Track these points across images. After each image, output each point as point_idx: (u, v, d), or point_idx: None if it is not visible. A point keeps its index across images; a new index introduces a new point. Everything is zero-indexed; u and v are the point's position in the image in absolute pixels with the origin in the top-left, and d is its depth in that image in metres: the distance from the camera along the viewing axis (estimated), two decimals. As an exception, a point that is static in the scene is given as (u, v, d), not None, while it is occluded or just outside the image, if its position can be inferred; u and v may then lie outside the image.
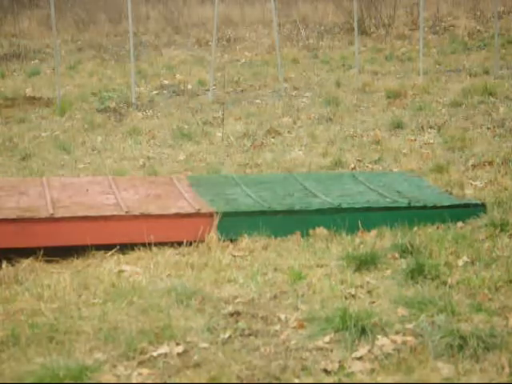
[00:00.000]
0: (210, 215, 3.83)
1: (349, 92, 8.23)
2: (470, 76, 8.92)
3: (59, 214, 3.76)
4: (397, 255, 3.53)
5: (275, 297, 3.13)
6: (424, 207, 4.01)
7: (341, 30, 13.57)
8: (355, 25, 9.73)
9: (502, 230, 3.78)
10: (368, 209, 3.98)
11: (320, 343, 2.68)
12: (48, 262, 3.58)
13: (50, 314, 2.96)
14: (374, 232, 3.86)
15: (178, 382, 2.47)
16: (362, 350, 2.61)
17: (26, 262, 3.52)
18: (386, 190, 4.31)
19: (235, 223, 3.83)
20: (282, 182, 4.55)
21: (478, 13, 13.71)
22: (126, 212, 3.81)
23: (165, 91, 8.85)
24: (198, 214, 3.84)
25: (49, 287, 3.24)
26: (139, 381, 2.47)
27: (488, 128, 6.16)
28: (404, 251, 3.54)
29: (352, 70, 9.81)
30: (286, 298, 3.11)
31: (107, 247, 3.69)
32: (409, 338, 2.67)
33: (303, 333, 2.78)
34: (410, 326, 2.77)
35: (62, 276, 3.38)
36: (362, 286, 3.20)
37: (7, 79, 10.01)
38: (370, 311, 2.83)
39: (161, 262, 3.53)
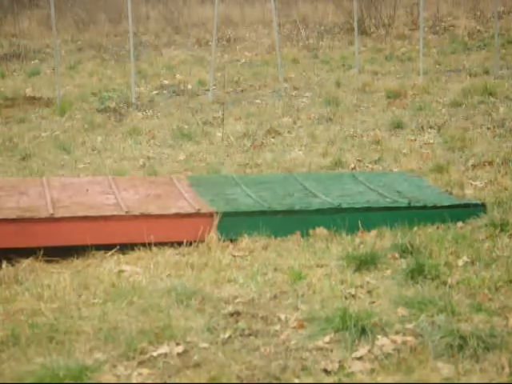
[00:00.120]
0: (210, 215, 3.83)
1: (349, 92, 8.23)
2: (470, 76, 8.92)
3: (59, 214, 3.76)
4: (397, 255, 3.53)
5: (275, 297, 3.13)
6: (424, 207, 4.01)
7: (341, 30, 13.57)
8: (355, 25, 9.73)
9: (502, 230, 3.78)
10: (368, 209, 3.98)
11: (320, 343, 2.68)
12: (48, 261, 3.57)
13: (50, 314, 2.96)
14: (374, 232, 3.86)
15: (177, 381, 2.47)
16: (362, 350, 2.60)
17: (25, 262, 3.52)
18: (386, 190, 4.31)
19: (235, 223, 3.83)
20: (282, 181, 4.55)
21: (478, 13, 13.71)
22: (126, 212, 3.81)
23: (165, 91, 8.85)
24: (197, 214, 3.84)
25: (49, 287, 3.24)
26: (139, 381, 2.47)
27: (488, 128, 6.16)
28: (404, 251, 3.54)
29: (352, 69, 9.82)
30: (285, 298, 3.11)
31: (107, 247, 3.69)
32: (409, 338, 2.67)
33: (303, 333, 2.78)
34: (409, 325, 2.77)
35: (61, 276, 3.38)
36: (362, 286, 3.20)
37: (7, 79, 10.01)
38: (370, 311, 2.83)
39: (161, 262, 3.53)
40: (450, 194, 4.41)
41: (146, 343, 2.68)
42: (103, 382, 2.46)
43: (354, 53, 9.83)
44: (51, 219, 3.71)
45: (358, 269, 3.38)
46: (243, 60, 11.23)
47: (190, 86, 9.02)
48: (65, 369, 2.47)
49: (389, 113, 7.00)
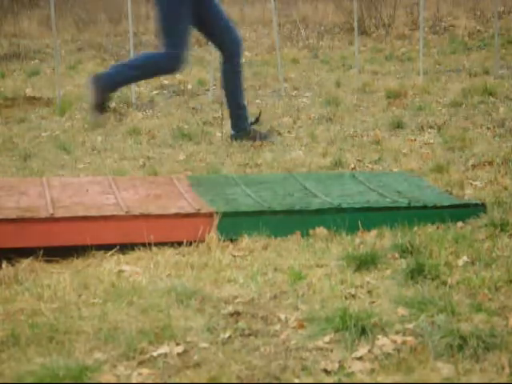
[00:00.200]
0: (210, 215, 3.83)
1: (349, 92, 8.23)
2: (470, 76, 8.92)
3: (59, 213, 3.76)
4: (397, 255, 3.53)
5: (275, 297, 3.13)
6: (424, 207, 4.01)
7: (341, 30, 13.57)
8: (355, 25, 9.73)
9: (502, 230, 3.78)
10: (368, 209, 3.98)
11: (320, 343, 2.68)
12: (48, 261, 3.57)
13: (50, 314, 2.96)
14: (374, 232, 3.86)
15: (178, 381, 2.47)
16: (362, 350, 2.60)
17: (25, 262, 3.52)
18: (386, 190, 4.31)
19: (235, 223, 3.83)
20: (282, 181, 4.55)
21: (478, 13, 13.71)
22: (126, 212, 3.81)
23: (165, 91, 8.85)
24: (197, 214, 3.84)
25: (49, 287, 3.24)
26: (139, 381, 2.47)
27: (488, 128, 6.16)
28: (404, 251, 3.54)
29: (352, 69, 9.82)
30: (285, 297, 3.11)
31: (107, 247, 3.69)
32: (409, 338, 2.67)
33: (303, 333, 2.77)
34: (409, 325, 2.77)
35: (61, 276, 3.38)
36: (361, 286, 3.20)
37: (7, 79, 10.00)
38: (370, 311, 2.83)
39: (161, 262, 3.53)
40: (450, 194, 4.41)
41: (146, 343, 2.68)
42: (103, 382, 2.46)
43: (354, 53, 9.83)
44: (51, 219, 3.70)
45: (358, 269, 3.38)
46: (243, 60, 11.21)
47: (189, 86, 9.02)
48: (65, 369, 2.47)
49: (389, 113, 7.00)
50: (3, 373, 2.52)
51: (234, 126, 6.05)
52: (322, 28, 13.99)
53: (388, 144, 5.80)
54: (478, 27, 12.89)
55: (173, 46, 5.59)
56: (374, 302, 3.02)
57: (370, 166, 5.25)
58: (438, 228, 3.90)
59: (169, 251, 3.67)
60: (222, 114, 6.73)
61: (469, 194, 4.43)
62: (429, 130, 6.20)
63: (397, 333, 2.72)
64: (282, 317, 2.91)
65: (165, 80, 9.50)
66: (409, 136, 6.05)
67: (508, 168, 4.92)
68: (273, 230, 3.83)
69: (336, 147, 5.75)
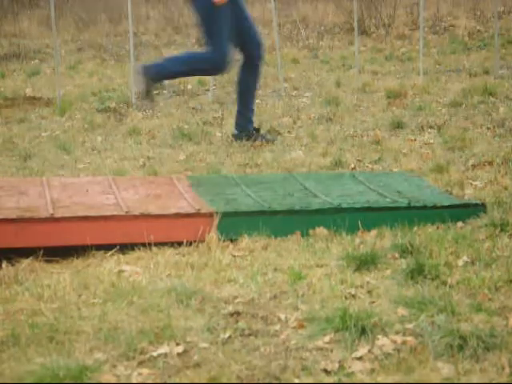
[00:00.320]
0: (210, 215, 3.83)
1: (349, 92, 8.23)
2: (470, 76, 8.92)
3: (59, 213, 3.76)
4: (397, 255, 3.53)
5: (275, 297, 3.12)
6: (424, 207, 4.01)
7: (341, 30, 13.57)
8: (355, 25, 9.73)
9: (502, 230, 3.78)
10: (368, 209, 3.98)
11: (320, 343, 2.68)
12: (48, 261, 3.57)
13: (50, 314, 2.96)
14: (374, 232, 3.86)
15: (178, 381, 2.47)
16: (362, 350, 2.60)
17: (25, 262, 3.52)
18: (386, 190, 4.31)
19: (235, 223, 3.83)
20: (282, 181, 4.55)
21: (478, 13, 13.71)
22: (126, 212, 3.81)
23: (165, 91, 8.84)
24: (197, 214, 3.84)
25: (49, 287, 3.24)
26: (139, 381, 2.47)
27: (488, 128, 6.15)
28: (404, 251, 3.54)
29: (352, 69, 9.82)
30: (285, 297, 3.11)
31: (107, 247, 3.69)
32: (409, 338, 2.67)
33: (303, 333, 2.78)
34: (409, 325, 2.77)
35: (61, 276, 3.38)
36: (362, 286, 3.20)
37: (7, 79, 10.00)
38: (370, 311, 2.83)
39: (161, 262, 3.53)
40: (450, 194, 4.41)
41: (146, 343, 2.68)
42: (103, 382, 2.46)
43: (354, 53, 9.83)
44: (51, 219, 3.71)
45: (358, 269, 3.38)
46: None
47: (189, 86, 9.02)
48: (65, 369, 2.47)
49: (389, 113, 7.00)
50: (3, 373, 2.52)
51: (237, 126, 6.05)
52: (322, 28, 13.99)
53: (388, 144, 5.80)
54: (478, 27, 12.89)
55: (218, 47, 5.66)
56: (373, 302, 3.03)
57: (370, 166, 5.25)
58: (437, 228, 3.90)
59: (169, 251, 3.67)
60: (222, 114, 6.73)
61: (469, 194, 4.43)
62: (429, 130, 6.20)
63: (397, 333, 2.72)
64: (282, 317, 2.91)
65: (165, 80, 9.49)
66: (409, 136, 6.05)
67: (508, 168, 4.92)
68: (273, 230, 3.83)
69: (336, 147, 5.75)
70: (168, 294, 3.09)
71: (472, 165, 5.07)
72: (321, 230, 3.86)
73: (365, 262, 3.41)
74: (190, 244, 3.73)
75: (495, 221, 3.85)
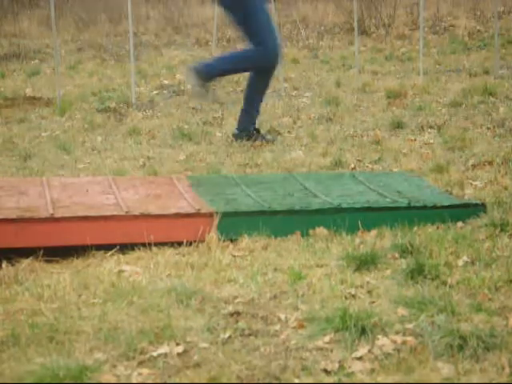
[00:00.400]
0: (210, 215, 3.83)
1: (349, 92, 8.23)
2: (470, 76, 8.92)
3: (59, 213, 3.76)
4: (397, 255, 3.53)
5: (275, 297, 3.12)
6: (424, 207, 4.01)
7: (341, 30, 13.58)
8: (355, 25, 9.74)
9: (502, 230, 3.78)
10: (368, 209, 3.98)
11: (320, 343, 2.68)
12: (48, 261, 3.57)
13: (50, 314, 2.96)
14: (374, 232, 3.86)
15: (178, 381, 2.47)
16: (362, 350, 2.60)
17: (25, 262, 3.52)
18: (386, 190, 4.31)
19: (235, 223, 3.83)
20: (282, 181, 4.55)
21: (478, 13, 13.71)
22: (126, 212, 3.81)
23: (165, 91, 8.84)
24: (197, 214, 3.84)
25: (49, 287, 3.24)
26: (139, 381, 2.47)
27: (488, 128, 6.16)
28: (404, 251, 3.54)
29: (352, 69, 9.82)
30: (285, 297, 3.11)
31: (107, 247, 3.69)
32: (409, 338, 2.67)
33: (303, 333, 2.77)
34: (409, 325, 2.77)
35: (61, 276, 3.38)
36: (362, 286, 3.20)
37: (7, 79, 10.00)
38: (370, 311, 2.83)
39: (161, 262, 3.53)
40: (450, 194, 4.41)
41: (146, 343, 2.68)
42: (103, 382, 2.46)
43: (354, 53, 9.83)
44: (51, 219, 3.70)
45: (358, 269, 3.38)
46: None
47: (189, 86, 9.02)
48: (65, 369, 2.47)
49: (389, 113, 7.00)
50: (3, 373, 2.52)
51: (239, 124, 6.05)
52: (322, 28, 13.99)
53: (388, 144, 5.80)
54: (478, 27, 12.89)
55: (266, 41, 5.73)
56: (373, 302, 3.03)
57: (370, 166, 5.25)
58: (437, 228, 3.90)
59: (169, 251, 3.67)
60: (222, 114, 6.73)
61: (469, 194, 4.43)
62: (429, 130, 6.20)
63: (397, 333, 2.72)
64: (282, 317, 2.91)
65: (165, 80, 9.51)
66: (409, 136, 6.05)
67: (508, 168, 4.92)
68: (273, 230, 3.83)
69: (336, 147, 5.76)
70: (168, 294, 3.09)
71: (472, 165, 5.07)
72: (321, 230, 3.86)
73: (365, 262, 3.41)
74: (190, 244, 3.73)
75: (495, 221, 3.85)
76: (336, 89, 8.45)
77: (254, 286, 3.22)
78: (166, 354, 2.62)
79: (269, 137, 6.05)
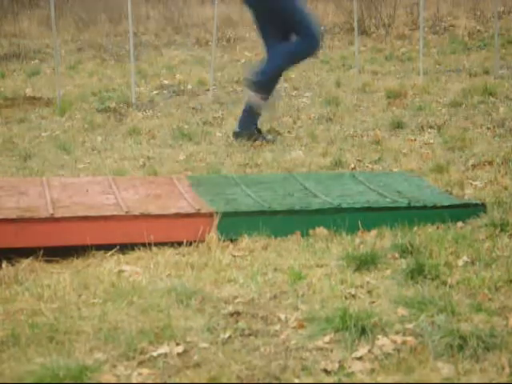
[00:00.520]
0: (210, 215, 3.83)
1: (349, 92, 8.22)
2: (470, 76, 8.92)
3: (59, 214, 3.76)
4: (397, 255, 3.53)
5: (275, 297, 3.13)
6: (424, 207, 4.01)
7: (341, 30, 13.57)
8: (355, 25, 9.73)
9: (502, 230, 3.78)
10: (368, 209, 3.98)
11: (320, 343, 2.68)
12: (48, 261, 3.57)
13: (50, 314, 2.96)
14: (374, 232, 3.86)
15: (178, 381, 2.47)
16: (362, 350, 2.60)
17: (25, 262, 3.52)
18: (386, 190, 4.31)
19: (235, 223, 3.83)
20: (282, 182, 4.55)
21: (478, 13, 13.71)
22: (126, 212, 3.81)
23: (165, 91, 8.84)
24: (197, 214, 3.84)
25: (49, 287, 3.24)
26: (139, 381, 2.47)
27: (488, 128, 6.16)
28: (404, 251, 3.54)
29: (352, 69, 9.82)
30: (285, 297, 3.11)
31: (107, 247, 3.69)
32: (409, 338, 2.67)
33: (303, 333, 2.78)
34: (409, 325, 2.77)
35: (61, 276, 3.38)
36: (362, 286, 3.20)
37: (7, 79, 10.00)
38: (370, 311, 2.84)
39: (161, 262, 3.53)
40: (450, 194, 4.41)
41: (146, 343, 2.68)
42: (103, 382, 2.46)
43: (354, 53, 9.83)
44: (51, 219, 3.71)
45: (358, 269, 3.38)
46: (243, 60, 11.23)
47: (189, 86, 9.02)
48: (65, 369, 2.47)
49: (389, 113, 7.00)
50: (3, 373, 2.53)
51: (240, 123, 6.05)
52: (322, 28, 13.94)
53: (388, 144, 5.80)
54: (478, 27, 12.89)
55: (306, 30, 5.82)
56: (373, 302, 3.03)
57: (370, 166, 5.25)
58: (437, 228, 3.90)
59: (169, 251, 3.67)
60: (222, 114, 6.73)
61: (469, 194, 4.43)
62: (429, 130, 6.20)
63: (397, 333, 2.72)
64: (282, 317, 2.92)
65: (165, 80, 9.51)
66: (409, 136, 6.05)
67: (508, 168, 4.92)
68: (273, 230, 3.83)
69: (336, 147, 5.76)
70: (168, 294, 3.09)
71: (472, 165, 5.07)
72: (321, 230, 3.86)
73: (365, 262, 3.41)
74: (190, 244, 3.73)
75: (495, 221, 3.85)
76: (336, 89, 8.45)
77: (254, 286, 3.22)
78: (165, 354, 2.62)
79: (269, 137, 6.05)
